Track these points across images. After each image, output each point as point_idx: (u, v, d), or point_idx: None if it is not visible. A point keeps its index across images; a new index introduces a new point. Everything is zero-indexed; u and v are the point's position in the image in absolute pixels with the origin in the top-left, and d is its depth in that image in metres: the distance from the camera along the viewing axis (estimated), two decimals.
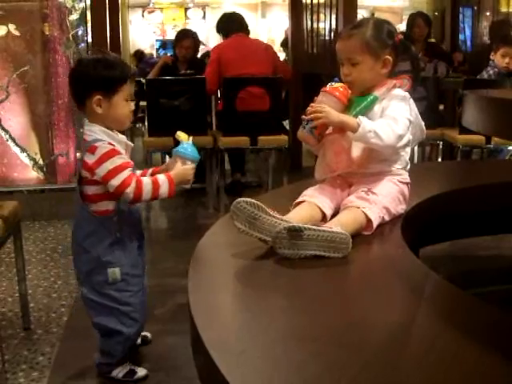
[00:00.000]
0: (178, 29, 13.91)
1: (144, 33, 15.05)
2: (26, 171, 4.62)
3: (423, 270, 1.67)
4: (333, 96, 1.97)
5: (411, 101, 2.04)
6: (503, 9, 7.74)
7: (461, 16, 7.74)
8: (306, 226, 1.69)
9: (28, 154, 4.60)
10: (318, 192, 2.00)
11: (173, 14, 15.50)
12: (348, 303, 1.51)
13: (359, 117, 1.92)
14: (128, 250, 2.14)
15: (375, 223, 1.89)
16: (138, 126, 7.96)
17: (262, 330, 1.32)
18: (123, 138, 2.14)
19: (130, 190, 2.00)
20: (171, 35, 13.70)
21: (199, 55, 6.28)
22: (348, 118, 1.93)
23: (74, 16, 4.59)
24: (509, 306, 2.37)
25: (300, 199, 1.98)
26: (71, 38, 4.57)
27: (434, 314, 1.43)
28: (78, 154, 4.70)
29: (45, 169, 4.64)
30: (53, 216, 4.44)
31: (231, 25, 5.34)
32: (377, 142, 1.90)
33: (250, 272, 1.69)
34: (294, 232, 1.66)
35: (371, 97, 2.00)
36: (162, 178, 2.05)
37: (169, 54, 6.53)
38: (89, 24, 4.55)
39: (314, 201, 1.95)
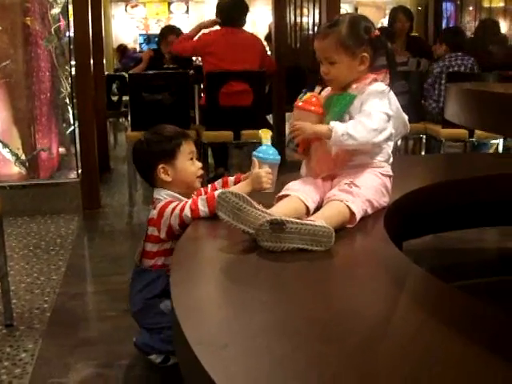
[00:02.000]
0: (162, 23, 13.93)
1: (127, 27, 14.98)
2: (8, 166, 4.58)
3: (406, 263, 1.67)
4: (307, 111, 2.04)
5: (391, 94, 2.04)
6: (485, 4, 7.77)
7: (444, 11, 7.77)
8: (288, 219, 1.70)
9: (10, 150, 4.56)
10: (301, 185, 2.00)
11: (156, 9, 15.44)
12: (331, 296, 1.51)
13: (331, 122, 1.95)
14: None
15: (358, 216, 1.90)
16: (120, 120, 7.93)
17: (245, 323, 1.32)
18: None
19: (186, 211, 2.04)
20: (155, 30, 13.68)
21: None
22: (321, 128, 1.97)
23: (56, 10, 4.54)
24: (491, 298, 2.38)
25: (283, 193, 1.98)
26: (53, 32, 4.52)
27: (417, 306, 1.43)
28: (60, 149, 4.68)
29: (27, 164, 4.60)
30: (35, 211, 4.41)
31: (230, 15, 5.16)
32: (352, 142, 1.92)
33: (233, 265, 1.69)
34: (277, 225, 1.67)
35: (348, 97, 2.02)
36: (202, 198, 2.07)
37: (151, 49, 6.50)
38: (71, 18, 4.51)
39: (297, 194, 1.95)
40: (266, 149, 2.14)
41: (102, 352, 2.38)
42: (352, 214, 1.88)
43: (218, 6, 5.32)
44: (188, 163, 2.18)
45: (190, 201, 2.07)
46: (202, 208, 2.03)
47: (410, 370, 1.12)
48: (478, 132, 4.68)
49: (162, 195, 2.16)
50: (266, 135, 2.16)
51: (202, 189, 2.26)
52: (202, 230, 1.98)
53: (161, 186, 2.18)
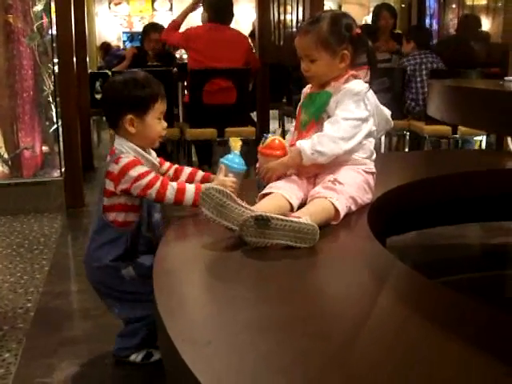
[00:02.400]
0: (145, 21, 13.87)
1: (110, 25, 14.91)
2: None
3: (390, 260, 1.68)
4: (271, 156, 2.07)
5: (369, 93, 2.05)
6: (468, 1, 7.80)
7: (427, 8, 7.80)
8: (273, 215, 1.70)
9: None
10: (284, 183, 2.01)
11: (139, 6, 15.38)
12: (314, 293, 1.51)
13: (297, 144, 1.99)
14: (137, 256, 2.15)
15: (342, 213, 1.90)
16: (104, 118, 7.89)
17: (228, 320, 1.32)
18: (153, 157, 2.15)
19: (153, 190, 2.00)
20: (138, 27, 13.61)
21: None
22: (290, 158, 2.02)
23: (39, 7, 4.51)
24: (475, 293, 2.40)
25: (266, 191, 1.99)
26: (36, 30, 4.49)
27: (401, 302, 1.44)
28: (43, 148, 4.65)
29: (10, 163, 4.57)
30: (18, 210, 4.38)
31: (219, 13, 5.16)
32: (323, 158, 1.97)
33: (216, 262, 1.69)
34: (262, 221, 1.67)
35: (324, 95, 2.04)
36: (190, 186, 2.05)
37: (134, 46, 6.49)
38: (53, 16, 4.48)
39: (280, 192, 1.95)
40: (233, 157, 2.14)
41: (86, 351, 2.37)
42: (336, 210, 1.89)
43: (206, 2, 5.31)
44: (156, 121, 2.10)
45: (158, 181, 2.01)
46: (170, 196, 2.01)
47: (394, 366, 1.13)
48: (461, 128, 4.71)
49: (124, 147, 2.07)
50: (236, 144, 2.17)
51: (167, 163, 2.23)
52: (186, 226, 1.98)
53: (123, 135, 2.10)
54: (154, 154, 2.18)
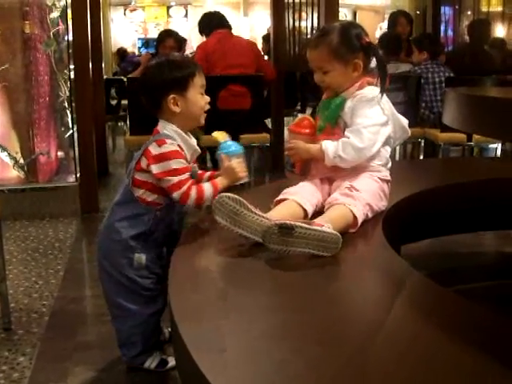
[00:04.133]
0: (160, 27, 13.94)
1: (126, 31, 14.99)
2: (7, 170, 4.58)
3: (404, 268, 1.67)
4: (298, 134, 2.13)
5: (384, 99, 2.06)
6: (484, 8, 7.78)
7: (442, 15, 7.78)
8: (297, 223, 1.69)
9: (8, 153, 4.56)
10: (298, 189, 2.03)
11: (155, 13, 15.46)
12: (329, 300, 1.51)
13: (323, 145, 2.02)
14: (160, 242, 2.14)
15: (360, 220, 1.91)
16: (119, 124, 7.93)
17: (244, 328, 1.32)
18: (194, 143, 2.14)
19: (177, 194, 2.01)
20: (153, 34, 13.69)
21: (189, 55, 6.30)
22: (314, 149, 2.05)
23: (55, 14, 4.54)
24: (489, 302, 2.38)
25: (281, 197, 2.00)
26: (52, 37, 4.53)
27: (416, 311, 1.44)
28: (59, 153, 4.68)
29: (25, 168, 4.60)
30: (34, 215, 4.41)
31: (212, 22, 5.32)
32: (344, 164, 2.01)
33: (232, 269, 1.69)
34: (285, 229, 1.67)
35: (337, 101, 2.06)
36: (206, 185, 2.05)
37: (149, 52, 6.52)
38: (70, 22, 4.51)
39: (294, 198, 1.97)
40: (227, 144, 2.15)
41: (101, 356, 2.37)
42: (354, 217, 1.89)
43: (199, 24, 5.45)
44: (198, 96, 2.11)
45: (186, 185, 2.00)
46: (189, 203, 2.02)
47: (408, 374, 1.12)
48: (476, 136, 4.69)
49: (168, 129, 2.07)
50: (221, 135, 2.18)
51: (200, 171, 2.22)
52: (201, 233, 1.98)
53: (167, 118, 2.09)
54: (194, 139, 2.17)
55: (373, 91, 2.03)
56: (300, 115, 2.17)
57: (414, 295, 1.55)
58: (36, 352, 2.43)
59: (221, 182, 2.07)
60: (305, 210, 1.96)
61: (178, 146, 2.04)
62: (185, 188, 2.00)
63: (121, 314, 2.18)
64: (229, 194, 1.79)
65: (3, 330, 2.62)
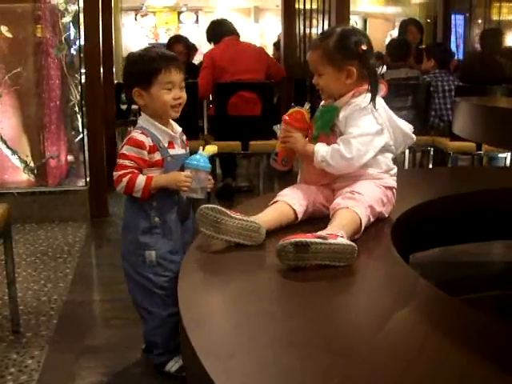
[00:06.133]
0: (171, 32, 13.96)
1: (137, 36, 15.02)
2: (17, 173, 4.61)
3: (413, 276, 1.67)
4: (290, 126, 2.11)
5: (381, 106, 2.06)
6: (494, 16, 7.78)
7: (453, 23, 7.77)
8: (312, 240, 1.67)
9: (19, 157, 4.59)
10: (290, 191, 2.07)
11: (166, 18, 15.48)
12: (337, 309, 1.51)
13: (315, 145, 2.03)
14: (167, 236, 2.16)
15: (364, 223, 1.91)
16: (129, 129, 7.94)
17: (252, 334, 1.33)
18: (169, 129, 2.18)
19: (114, 176, 2.12)
20: (164, 39, 13.71)
21: (197, 62, 6.32)
22: (308, 148, 2.05)
23: (67, 18, 4.57)
24: (497, 312, 2.38)
25: (274, 199, 2.05)
26: (63, 41, 4.55)
27: (423, 319, 1.44)
28: (69, 157, 4.70)
29: (36, 171, 4.63)
30: (43, 219, 4.43)
31: (221, 30, 5.32)
32: (331, 169, 2.02)
33: (241, 276, 1.70)
34: (301, 246, 1.66)
35: (331, 109, 2.06)
36: (140, 178, 2.09)
37: None
38: (81, 27, 4.54)
39: (284, 199, 2.02)
40: (196, 157, 2.13)
41: (109, 360, 2.39)
42: (360, 220, 1.89)
43: (207, 32, 5.49)
44: (163, 92, 2.12)
45: (124, 172, 2.09)
46: (118, 188, 2.12)
47: (416, 383, 1.13)
48: (485, 145, 4.68)
49: (141, 119, 2.17)
50: (207, 149, 2.17)
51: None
52: (210, 240, 1.99)
53: (142, 109, 2.18)
54: (175, 126, 2.23)
55: (366, 100, 2.02)
56: (297, 107, 2.13)
57: (421, 304, 1.55)
58: (44, 355, 2.44)
59: (156, 179, 2.10)
60: (294, 210, 1.99)
61: (142, 132, 2.12)
62: (120, 173, 2.10)
63: (142, 314, 2.23)
64: (208, 205, 1.84)
65: (12, 333, 2.63)
